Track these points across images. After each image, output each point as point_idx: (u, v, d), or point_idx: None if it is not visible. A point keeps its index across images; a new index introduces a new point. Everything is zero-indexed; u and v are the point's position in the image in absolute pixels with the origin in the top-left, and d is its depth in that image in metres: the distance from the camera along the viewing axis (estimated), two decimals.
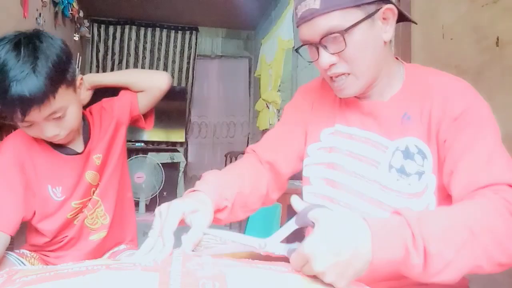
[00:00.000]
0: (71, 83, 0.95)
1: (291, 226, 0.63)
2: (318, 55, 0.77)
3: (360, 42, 0.74)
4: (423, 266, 0.56)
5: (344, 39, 0.72)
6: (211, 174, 0.83)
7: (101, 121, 1.13)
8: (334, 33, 0.72)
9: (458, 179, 0.71)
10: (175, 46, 5.24)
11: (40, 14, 3.11)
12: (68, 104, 0.93)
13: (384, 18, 0.76)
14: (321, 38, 0.74)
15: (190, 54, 5.26)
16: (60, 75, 0.89)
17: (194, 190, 0.77)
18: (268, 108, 4.26)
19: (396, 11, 0.77)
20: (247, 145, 4.93)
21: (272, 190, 0.94)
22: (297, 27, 0.78)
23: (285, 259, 0.62)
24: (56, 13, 3.51)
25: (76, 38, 4.20)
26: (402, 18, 0.83)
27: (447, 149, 0.74)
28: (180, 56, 5.25)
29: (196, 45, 5.27)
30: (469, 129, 0.72)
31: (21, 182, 0.98)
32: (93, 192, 1.09)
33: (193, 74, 5.29)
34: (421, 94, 0.78)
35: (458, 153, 0.72)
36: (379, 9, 0.75)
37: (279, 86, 3.93)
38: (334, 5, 0.71)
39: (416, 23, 0.88)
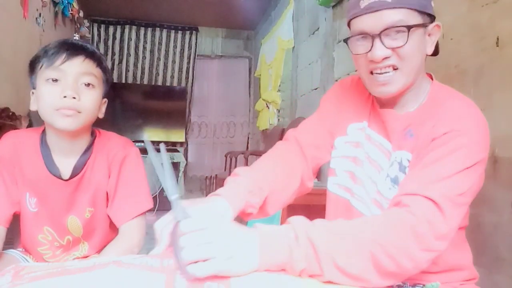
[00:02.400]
0: (106, 80, 1.03)
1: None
2: (372, 46, 0.78)
3: (416, 43, 0.77)
4: (313, 264, 0.60)
5: (408, 34, 0.75)
6: (242, 177, 0.81)
7: (108, 163, 1.05)
8: (400, 26, 0.75)
9: (401, 183, 0.76)
10: (175, 46, 5.24)
11: (40, 14, 3.11)
12: (99, 84, 1.00)
13: (429, 34, 0.81)
14: (383, 30, 0.76)
15: (190, 54, 5.27)
16: (105, 61, 1.04)
17: (217, 195, 0.75)
18: (268, 108, 4.26)
19: (441, 30, 0.82)
20: (247, 145, 4.92)
21: (308, 178, 0.94)
22: (355, 18, 0.80)
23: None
24: (56, 13, 3.52)
25: (76, 38, 4.20)
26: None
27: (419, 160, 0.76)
28: (180, 56, 5.25)
29: (196, 45, 5.28)
30: (440, 149, 0.72)
31: (12, 177, 0.99)
32: (71, 244, 1.06)
33: (193, 74, 5.29)
34: (431, 117, 0.79)
35: (422, 164, 0.74)
36: (431, 22, 0.80)
37: (279, 86, 3.93)
38: (405, 3, 0.75)
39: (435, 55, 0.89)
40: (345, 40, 0.85)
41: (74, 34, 4.16)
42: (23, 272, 0.59)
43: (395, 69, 0.79)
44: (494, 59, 1.41)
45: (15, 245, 1.10)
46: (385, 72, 0.79)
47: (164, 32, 5.21)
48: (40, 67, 0.95)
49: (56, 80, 0.93)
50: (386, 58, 0.78)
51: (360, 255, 0.62)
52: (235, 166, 4.53)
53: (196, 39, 5.28)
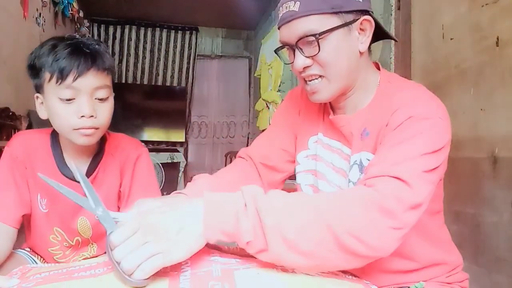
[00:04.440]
0: (113, 83, 0.99)
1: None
2: (294, 57, 0.78)
3: (334, 48, 0.75)
4: (259, 237, 0.57)
5: (318, 43, 0.74)
6: (202, 179, 0.85)
7: (121, 164, 1.05)
8: (309, 36, 0.74)
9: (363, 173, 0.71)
10: (175, 46, 5.24)
11: (40, 14, 3.11)
12: (111, 92, 0.96)
13: (361, 29, 0.78)
14: (298, 41, 0.76)
15: (190, 54, 5.26)
16: (113, 64, 0.97)
17: (180, 193, 0.79)
18: (268, 108, 4.26)
19: (373, 23, 0.78)
20: (247, 145, 4.94)
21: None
22: (278, 28, 0.80)
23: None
24: (56, 13, 3.52)
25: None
26: (384, 35, 0.85)
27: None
28: (180, 56, 5.25)
29: (196, 45, 5.28)
30: (401, 134, 0.70)
31: (23, 178, 0.99)
32: (80, 244, 1.06)
33: (193, 74, 5.29)
34: (383, 112, 0.77)
35: (381, 148, 0.71)
36: (356, 20, 0.76)
37: (279, 86, 3.93)
38: (313, 9, 0.73)
39: (396, 40, 0.88)
40: (276, 51, 0.86)
41: (74, 34, 4.16)
42: (30, 274, 0.59)
43: (321, 76, 0.78)
44: (494, 59, 1.41)
45: (17, 245, 1.10)
46: (313, 80, 0.79)
47: (164, 32, 5.21)
48: (49, 80, 0.89)
49: (70, 99, 0.89)
50: (307, 67, 0.78)
51: (317, 230, 0.57)
52: None
53: (196, 39, 5.28)
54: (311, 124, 0.93)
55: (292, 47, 0.78)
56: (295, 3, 0.74)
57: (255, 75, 5.01)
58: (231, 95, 5.56)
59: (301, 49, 0.76)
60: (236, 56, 5.52)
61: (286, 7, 0.76)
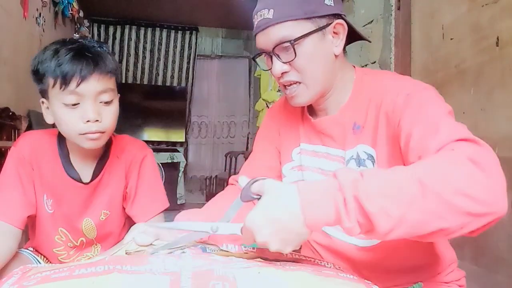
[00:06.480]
0: (117, 84, 0.98)
1: (238, 204, 0.64)
2: (272, 63, 0.81)
3: (310, 53, 0.78)
4: (365, 227, 0.54)
5: (294, 49, 0.76)
6: (187, 214, 0.85)
7: (126, 166, 1.06)
8: (285, 42, 0.76)
9: (412, 154, 0.68)
10: (175, 46, 5.24)
11: (40, 14, 3.11)
12: (115, 95, 0.95)
13: (335, 33, 0.80)
14: (274, 47, 0.78)
15: (190, 54, 5.27)
16: (116, 66, 0.96)
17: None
18: (268, 108, 4.26)
19: (346, 27, 0.81)
20: (247, 145, 4.91)
21: None
22: (254, 36, 0.82)
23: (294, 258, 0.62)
24: (56, 13, 3.52)
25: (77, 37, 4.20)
26: (358, 36, 0.87)
27: (400, 130, 0.72)
28: (180, 56, 5.25)
29: (196, 45, 5.28)
30: (413, 105, 0.71)
31: (29, 178, 0.99)
32: (84, 245, 1.07)
33: (193, 74, 5.29)
34: (366, 102, 0.80)
35: (407, 127, 0.70)
36: (330, 24, 0.79)
37: (279, 86, 3.93)
38: (287, 16, 0.76)
39: (370, 41, 0.91)
40: (253, 58, 0.88)
41: (74, 34, 4.16)
42: (30, 273, 0.59)
43: (299, 82, 0.80)
44: (494, 59, 1.41)
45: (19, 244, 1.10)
46: (291, 84, 0.81)
47: (164, 32, 5.21)
48: (53, 85, 0.88)
49: (75, 104, 0.88)
50: (285, 72, 0.80)
51: (425, 201, 0.54)
52: (235, 166, 4.54)
53: (196, 39, 5.28)
54: (292, 137, 0.94)
55: (269, 54, 0.80)
56: (269, 10, 0.76)
57: (255, 75, 5.01)
58: (231, 95, 5.57)
59: (277, 55, 0.79)
60: (236, 56, 5.52)
61: (261, 15, 0.78)
